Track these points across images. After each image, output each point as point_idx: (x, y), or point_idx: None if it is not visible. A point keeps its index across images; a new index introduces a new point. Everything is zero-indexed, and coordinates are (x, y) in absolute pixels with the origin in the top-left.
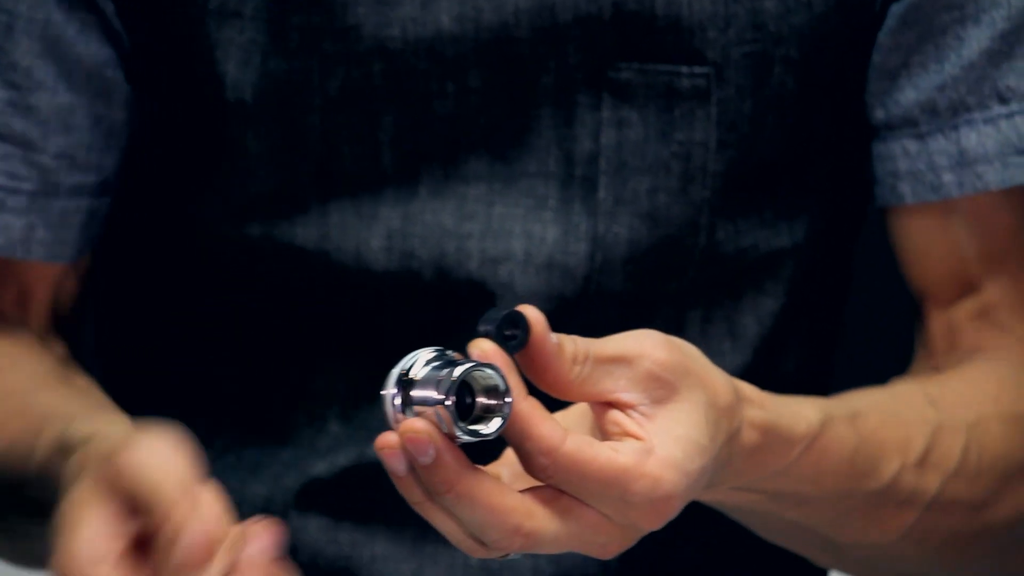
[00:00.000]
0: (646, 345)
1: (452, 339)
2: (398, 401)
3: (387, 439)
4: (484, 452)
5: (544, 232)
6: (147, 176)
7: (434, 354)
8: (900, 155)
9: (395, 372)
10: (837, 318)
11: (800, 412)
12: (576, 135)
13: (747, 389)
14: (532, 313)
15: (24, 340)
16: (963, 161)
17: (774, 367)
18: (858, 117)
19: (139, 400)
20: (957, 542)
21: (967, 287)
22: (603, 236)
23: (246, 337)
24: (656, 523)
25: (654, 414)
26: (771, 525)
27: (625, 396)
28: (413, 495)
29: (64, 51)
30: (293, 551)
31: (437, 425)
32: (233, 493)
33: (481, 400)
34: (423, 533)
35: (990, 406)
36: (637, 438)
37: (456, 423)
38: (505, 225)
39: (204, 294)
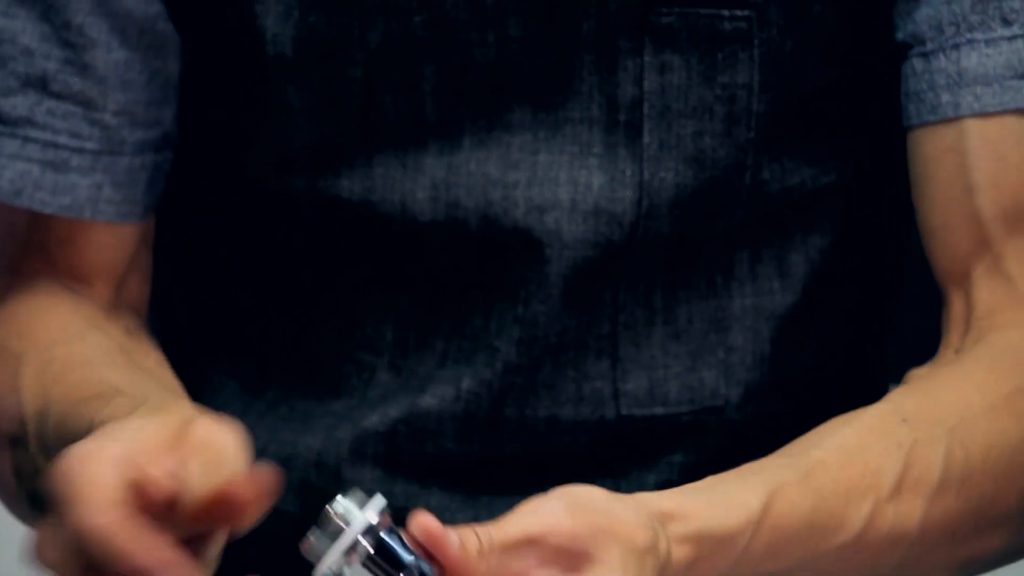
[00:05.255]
0: (549, 520)
1: (499, 289)
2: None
3: None
4: None
5: (590, 179)
6: (191, 130)
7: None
8: (909, 75)
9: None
10: (894, 257)
11: (736, 501)
12: (619, 81)
13: (668, 503)
14: (442, 546)
15: (89, 311)
16: (961, 81)
17: (827, 306)
18: (893, 45)
19: (189, 353)
20: (974, 533)
21: (979, 237)
22: (649, 181)
23: (292, 287)
24: None
25: None
26: None
27: (535, 573)
28: None
29: (115, 7)
30: None
31: None
32: (286, 446)
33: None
34: (478, 484)
35: (975, 398)
36: None
37: None
38: (550, 173)
39: (249, 246)
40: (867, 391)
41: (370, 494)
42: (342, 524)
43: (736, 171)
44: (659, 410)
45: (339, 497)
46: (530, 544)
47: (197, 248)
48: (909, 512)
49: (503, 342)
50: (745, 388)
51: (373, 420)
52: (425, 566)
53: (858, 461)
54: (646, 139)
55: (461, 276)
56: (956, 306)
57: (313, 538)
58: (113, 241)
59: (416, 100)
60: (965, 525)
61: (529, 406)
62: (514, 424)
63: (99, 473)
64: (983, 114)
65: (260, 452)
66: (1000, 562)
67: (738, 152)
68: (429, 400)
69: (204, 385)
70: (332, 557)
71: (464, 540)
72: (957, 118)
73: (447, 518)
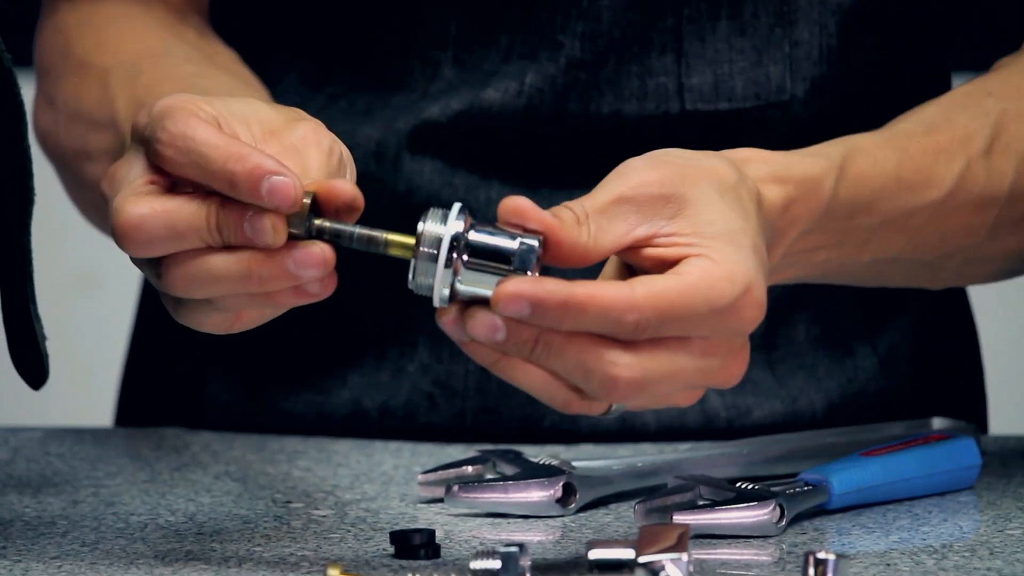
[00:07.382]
0: (635, 176)
1: None
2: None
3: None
4: None
5: None
6: None
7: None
8: None
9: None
10: None
11: (812, 153)
12: None
13: (741, 152)
14: (536, 218)
15: (162, 15)
16: None
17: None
18: None
19: (249, 48)
20: None
21: None
22: None
23: None
24: (755, 313)
25: (678, 229)
26: (859, 275)
27: (641, 231)
28: (486, 357)
29: None
30: (408, 194)
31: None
32: (344, 137)
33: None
34: (539, 178)
35: None
36: (682, 257)
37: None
38: None
39: None
40: (933, 87)
41: (435, 177)
42: (430, 248)
43: None
44: (724, 105)
45: (418, 224)
46: (624, 202)
47: None
48: (1000, 173)
49: (567, 36)
50: (811, 83)
51: (434, 111)
52: (529, 240)
53: (945, 128)
54: None
55: None
56: None
57: (414, 273)
58: None
59: None
60: None
61: (593, 101)
62: (577, 119)
63: (199, 106)
64: None
65: None
66: None
67: None
68: (492, 94)
69: (263, 79)
70: (437, 278)
71: (557, 213)
72: None
73: None
